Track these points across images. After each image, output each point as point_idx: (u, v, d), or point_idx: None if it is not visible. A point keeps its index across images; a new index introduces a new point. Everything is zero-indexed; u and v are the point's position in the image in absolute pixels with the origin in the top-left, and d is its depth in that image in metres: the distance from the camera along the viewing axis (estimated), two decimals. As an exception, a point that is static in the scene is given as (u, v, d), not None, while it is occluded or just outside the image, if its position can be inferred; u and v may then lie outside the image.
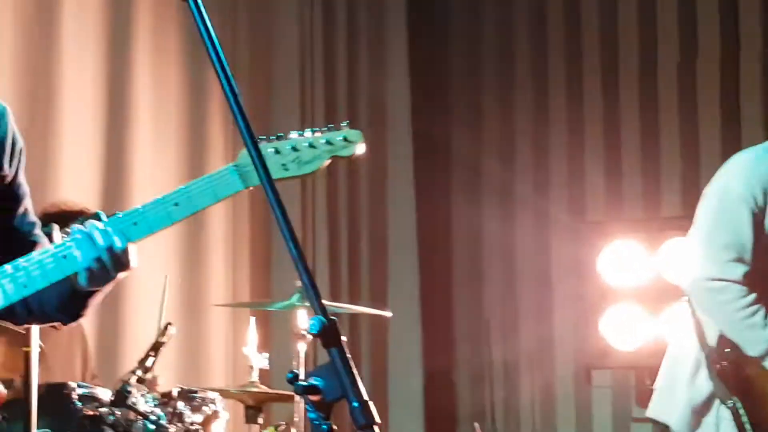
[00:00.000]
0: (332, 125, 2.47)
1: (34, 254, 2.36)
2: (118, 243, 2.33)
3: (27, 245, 2.55)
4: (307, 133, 2.43)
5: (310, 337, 4.34)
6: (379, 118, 7.27)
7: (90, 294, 2.48)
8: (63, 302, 2.50)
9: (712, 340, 3.88)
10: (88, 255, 2.32)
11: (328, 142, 2.41)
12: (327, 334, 1.81)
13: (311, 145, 2.41)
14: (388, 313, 6.08)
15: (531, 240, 7.56)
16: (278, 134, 2.44)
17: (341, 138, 2.41)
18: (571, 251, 7.23)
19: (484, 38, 7.86)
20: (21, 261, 2.34)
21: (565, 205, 7.47)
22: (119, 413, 4.16)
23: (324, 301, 1.81)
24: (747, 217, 3.82)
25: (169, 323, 4.49)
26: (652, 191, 7.39)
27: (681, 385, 3.94)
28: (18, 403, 3.80)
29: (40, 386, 3.67)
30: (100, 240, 2.32)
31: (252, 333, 4.91)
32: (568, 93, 7.67)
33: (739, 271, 3.81)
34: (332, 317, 1.84)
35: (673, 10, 7.43)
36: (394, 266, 7.36)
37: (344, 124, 2.47)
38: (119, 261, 2.34)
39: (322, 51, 7.08)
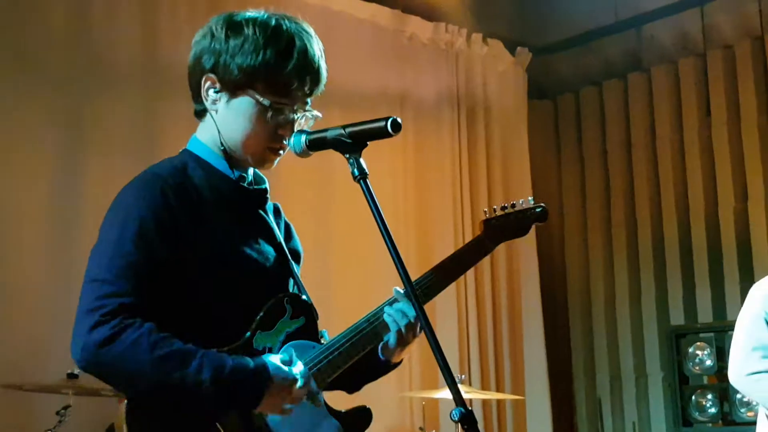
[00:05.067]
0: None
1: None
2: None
3: None
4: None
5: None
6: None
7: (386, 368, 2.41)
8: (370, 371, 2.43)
9: None
10: (402, 321, 2.29)
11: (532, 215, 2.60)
12: (466, 420, 1.82)
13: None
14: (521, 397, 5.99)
15: None
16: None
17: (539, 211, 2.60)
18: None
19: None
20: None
21: None
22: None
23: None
24: (765, 329, 3.79)
25: None
26: None
27: None
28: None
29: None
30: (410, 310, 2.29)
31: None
32: None
33: (766, 363, 3.76)
34: (469, 408, 1.82)
35: None
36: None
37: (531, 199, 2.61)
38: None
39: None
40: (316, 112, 2.27)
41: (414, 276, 2.09)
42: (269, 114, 2.20)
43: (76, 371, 4.10)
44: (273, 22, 2.22)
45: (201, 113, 2.31)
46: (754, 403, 5.69)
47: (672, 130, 7.21)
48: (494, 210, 2.57)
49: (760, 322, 3.81)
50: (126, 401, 2.09)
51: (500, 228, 2.56)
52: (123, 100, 5.32)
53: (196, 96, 2.28)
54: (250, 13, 2.26)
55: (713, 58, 7.02)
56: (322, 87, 2.28)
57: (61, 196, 5.02)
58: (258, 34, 2.19)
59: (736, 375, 3.84)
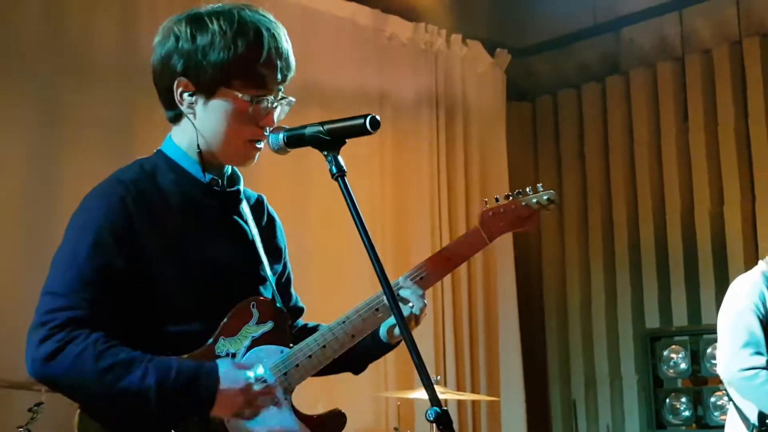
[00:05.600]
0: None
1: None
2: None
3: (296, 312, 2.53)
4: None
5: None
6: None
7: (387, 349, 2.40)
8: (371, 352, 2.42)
9: (753, 419, 3.78)
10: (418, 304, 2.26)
11: (538, 202, 2.38)
12: (440, 420, 1.81)
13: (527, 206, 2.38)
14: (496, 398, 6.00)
15: None
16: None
17: (546, 198, 2.38)
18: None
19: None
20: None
21: None
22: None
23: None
24: (756, 322, 3.80)
25: None
26: None
27: None
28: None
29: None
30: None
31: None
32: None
33: (761, 359, 3.75)
34: (444, 408, 1.81)
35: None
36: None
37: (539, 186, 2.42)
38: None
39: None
40: (291, 98, 2.25)
41: (392, 275, 2.08)
42: (250, 109, 2.16)
43: (49, 368, 4.06)
44: (235, 13, 2.17)
45: (176, 118, 2.26)
46: (727, 406, 5.72)
47: (649, 133, 7.25)
48: (496, 199, 2.39)
49: (749, 314, 3.81)
50: (78, 410, 2.07)
51: (499, 219, 2.37)
52: (100, 96, 5.28)
53: (168, 101, 2.23)
54: (208, 8, 2.20)
55: (691, 62, 7.06)
56: (293, 72, 2.25)
57: (37, 193, 4.98)
58: (225, 28, 2.14)
59: (728, 372, 3.82)
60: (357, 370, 2.48)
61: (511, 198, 2.39)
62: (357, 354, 2.32)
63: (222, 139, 2.19)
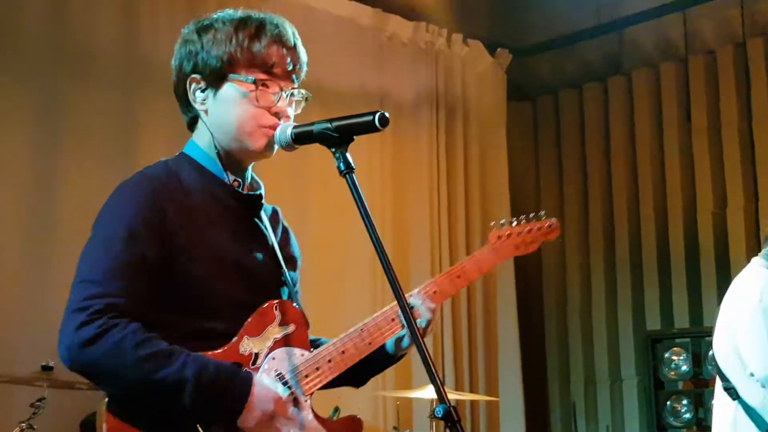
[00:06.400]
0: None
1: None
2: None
3: None
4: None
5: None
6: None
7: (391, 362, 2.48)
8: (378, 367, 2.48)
9: None
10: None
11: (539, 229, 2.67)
12: (448, 417, 1.83)
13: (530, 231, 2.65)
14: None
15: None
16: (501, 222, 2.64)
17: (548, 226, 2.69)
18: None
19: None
20: None
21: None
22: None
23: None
24: None
25: None
26: None
27: None
28: None
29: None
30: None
31: None
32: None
33: None
34: (453, 405, 1.84)
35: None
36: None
37: (542, 213, 2.69)
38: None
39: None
40: (304, 92, 2.29)
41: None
42: (257, 94, 2.21)
43: (51, 363, 4.09)
44: (239, 14, 2.28)
45: (192, 122, 2.32)
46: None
47: (651, 134, 7.26)
48: (501, 224, 2.62)
49: None
50: (106, 399, 2.07)
51: (506, 243, 2.61)
52: (102, 95, 5.29)
53: (186, 105, 2.30)
54: (217, 14, 2.31)
55: (695, 63, 7.08)
56: (304, 66, 2.31)
57: (37, 190, 4.98)
58: (227, 24, 2.24)
59: None
60: (359, 383, 2.50)
61: (516, 224, 2.63)
62: (361, 365, 2.33)
63: (236, 126, 2.23)
